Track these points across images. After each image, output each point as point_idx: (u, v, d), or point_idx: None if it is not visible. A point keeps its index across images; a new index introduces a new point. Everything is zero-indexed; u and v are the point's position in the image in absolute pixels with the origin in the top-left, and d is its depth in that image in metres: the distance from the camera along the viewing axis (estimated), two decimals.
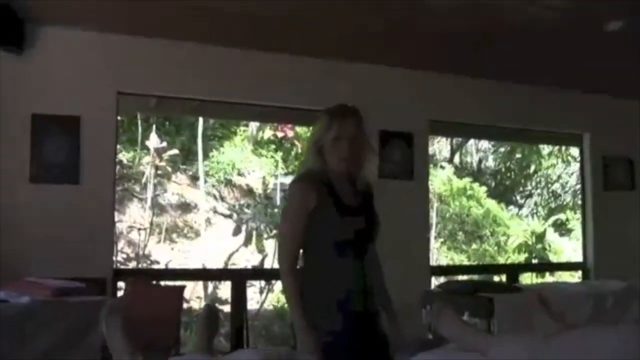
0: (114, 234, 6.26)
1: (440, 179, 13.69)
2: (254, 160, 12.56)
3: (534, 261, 13.14)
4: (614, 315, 5.57)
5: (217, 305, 9.77)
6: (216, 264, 11.05)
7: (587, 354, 2.21)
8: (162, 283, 6.49)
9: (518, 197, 15.97)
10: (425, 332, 5.44)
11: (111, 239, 5.91)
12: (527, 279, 10.53)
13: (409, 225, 6.55)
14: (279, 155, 12.43)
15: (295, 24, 5.55)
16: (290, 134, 12.17)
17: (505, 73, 6.80)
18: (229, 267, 11.16)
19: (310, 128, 5.09)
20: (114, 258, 6.68)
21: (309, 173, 3.13)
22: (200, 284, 10.85)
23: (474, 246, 13.63)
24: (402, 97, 6.65)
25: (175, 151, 11.77)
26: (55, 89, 5.51)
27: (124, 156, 11.50)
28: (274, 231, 11.31)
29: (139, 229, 11.46)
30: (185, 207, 12.42)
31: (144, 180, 11.78)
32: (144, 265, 11.09)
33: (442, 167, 14.44)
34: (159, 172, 11.87)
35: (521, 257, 13.11)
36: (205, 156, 12.04)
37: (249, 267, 11.31)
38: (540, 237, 13.48)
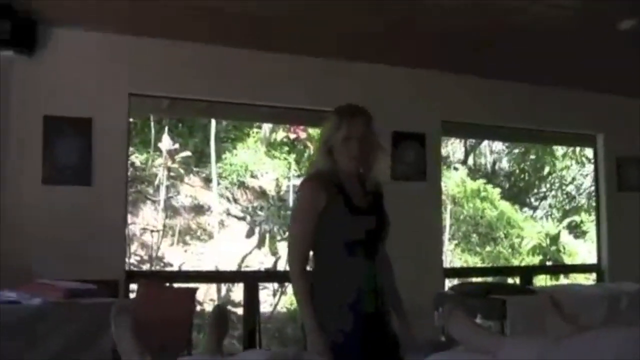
0: (126, 236, 6.26)
1: (454, 181, 13.65)
2: (267, 162, 12.57)
3: (548, 263, 13.07)
4: (628, 316, 5.54)
5: (230, 307, 9.79)
6: (229, 266, 11.06)
7: (599, 355, 2.19)
8: (175, 285, 6.48)
9: (532, 199, 15.88)
10: (438, 335, 5.42)
11: (123, 240, 5.92)
12: (541, 281, 10.49)
13: (422, 227, 6.53)
14: (292, 157, 12.43)
15: (308, 25, 5.55)
16: (302, 135, 12.17)
17: (518, 73, 6.76)
18: (242, 269, 11.16)
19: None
20: (127, 260, 6.68)
21: (318, 173, 3.12)
22: (213, 286, 10.86)
23: (487, 248, 13.58)
24: (415, 98, 6.62)
25: (187, 153, 11.79)
26: (67, 90, 5.51)
27: (137, 158, 11.53)
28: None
29: (152, 231, 11.49)
30: (199, 209, 12.44)
31: (156, 182, 11.80)
32: (157, 267, 11.11)
33: (456, 169, 14.41)
34: (172, 174, 11.89)
35: (535, 260, 13.05)
36: (218, 158, 12.06)
37: (262, 269, 11.29)
38: (555, 239, 13.41)
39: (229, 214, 12.46)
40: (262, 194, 12.61)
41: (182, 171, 12.06)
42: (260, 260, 11.70)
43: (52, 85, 5.46)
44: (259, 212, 12.24)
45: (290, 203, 12.01)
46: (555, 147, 14.45)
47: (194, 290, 5.75)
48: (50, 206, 5.38)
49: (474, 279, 7.99)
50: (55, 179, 5.43)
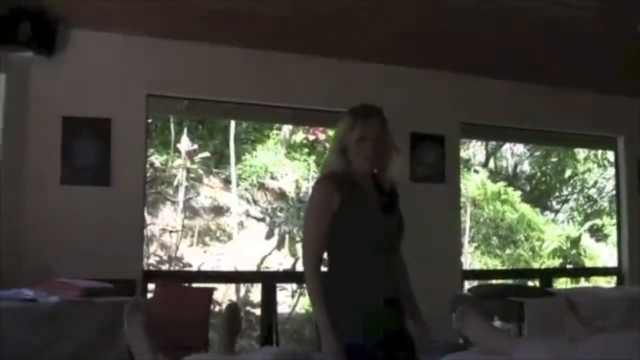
0: (144, 236, 6.30)
1: (474, 183, 13.59)
2: (287, 164, 12.55)
3: (569, 266, 12.98)
4: None
5: (249, 308, 9.80)
6: (249, 267, 11.06)
7: (613, 356, 2.17)
8: (192, 285, 6.49)
9: (554, 203, 15.78)
10: (455, 337, 5.39)
11: (141, 240, 5.95)
12: (561, 284, 10.41)
13: (441, 229, 6.53)
14: (311, 159, 12.41)
15: (328, 27, 5.55)
16: (321, 137, 12.15)
17: (538, 75, 6.73)
18: (261, 270, 11.17)
19: None
20: (145, 260, 6.71)
21: (332, 173, 3.10)
22: (232, 287, 10.87)
23: (508, 251, 13.50)
24: (433, 99, 6.62)
25: (206, 154, 11.80)
26: (86, 91, 5.55)
27: (156, 159, 11.56)
28: None
29: (172, 232, 11.51)
30: (218, 210, 12.45)
31: (176, 183, 11.83)
32: (176, 268, 11.13)
33: (476, 172, 14.33)
34: (191, 175, 11.91)
35: (556, 262, 12.96)
36: (238, 159, 12.06)
37: (281, 270, 11.30)
38: (575, 242, 13.32)
39: (248, 215, 12.47)
40: (281, 195, 12.60)
41: (201, 172, 12.07)
42: (280, 262, 11.70)
43: (71, 86, 5.51)
44: (279, 214, 12.24)
45: None
46: (576, 150, 14.36)
47: (211, 290, 5.76)
48: (69, 206, 5.42)
49: (494, 281, 7.96)
50: (74, 179, 5.47)
